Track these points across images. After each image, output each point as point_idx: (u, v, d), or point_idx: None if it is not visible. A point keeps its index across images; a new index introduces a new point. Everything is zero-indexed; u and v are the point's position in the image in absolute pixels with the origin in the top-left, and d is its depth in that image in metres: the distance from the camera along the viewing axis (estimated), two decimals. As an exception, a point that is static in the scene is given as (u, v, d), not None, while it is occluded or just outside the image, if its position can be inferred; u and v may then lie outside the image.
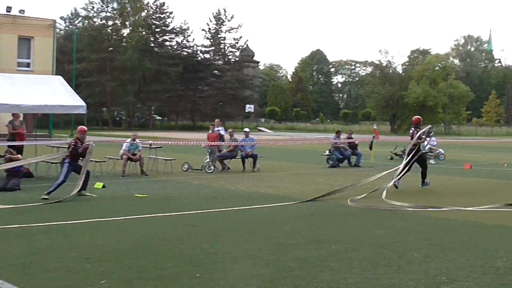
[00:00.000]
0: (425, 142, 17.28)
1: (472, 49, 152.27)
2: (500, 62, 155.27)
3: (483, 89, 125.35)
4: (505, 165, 23.15)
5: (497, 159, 26.41)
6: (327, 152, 22.60)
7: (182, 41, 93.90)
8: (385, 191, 12.63)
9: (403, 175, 14.21)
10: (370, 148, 23.59)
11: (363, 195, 12.68)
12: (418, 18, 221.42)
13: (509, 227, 9.49)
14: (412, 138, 14.73)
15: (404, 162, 14.33)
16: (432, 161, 24.41)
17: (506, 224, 9.79)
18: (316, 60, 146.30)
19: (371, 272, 6.54)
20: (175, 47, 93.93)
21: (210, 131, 21.27)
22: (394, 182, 13.85)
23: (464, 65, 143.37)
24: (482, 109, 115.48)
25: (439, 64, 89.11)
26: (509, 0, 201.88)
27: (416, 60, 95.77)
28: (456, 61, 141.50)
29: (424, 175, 14.91)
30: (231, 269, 6.63)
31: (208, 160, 19.50)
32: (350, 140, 23.12)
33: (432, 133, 15.55)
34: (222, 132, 21.85)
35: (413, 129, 15.06)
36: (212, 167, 19.21)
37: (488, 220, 10.18)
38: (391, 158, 26.06)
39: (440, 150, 26.39)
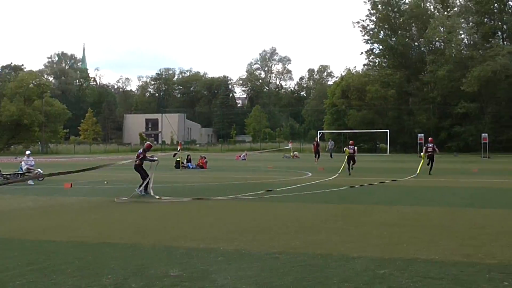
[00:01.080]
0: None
1: (67, 67, 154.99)
2: (95, 81, 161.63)
3: (80, 107, 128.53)
4: (105, 182, 23.83)
5: (99, 176, 26.91)
6: None
7: None
8: (151, 192, 17.75)
9: (147, 183, 18.48)
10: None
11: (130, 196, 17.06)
12: (9, 32, 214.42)
13: (113, 244, 9.64)
14: (138, 157, 19.44)
15: (145, 175, 18.86)
16: (30, 182, 23.68)
17: (111, 241, 9.95)
18: None
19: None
20: None
21: None
22: (141, 190, 18.31)
23: (60, 83, 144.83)
24: (80, 127, 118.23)
25: (34, 81, 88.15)
26: (100, 20, 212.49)
27: (8, 76, 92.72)
28: (51, 79, 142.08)
29: (143, 184, 18.63)
30: None
31: None
32: None
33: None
34: None
35: (141, 150, 19.61)
36: None
37: (92, 239, 10.17)
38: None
39: (39, 170, 25.76)
